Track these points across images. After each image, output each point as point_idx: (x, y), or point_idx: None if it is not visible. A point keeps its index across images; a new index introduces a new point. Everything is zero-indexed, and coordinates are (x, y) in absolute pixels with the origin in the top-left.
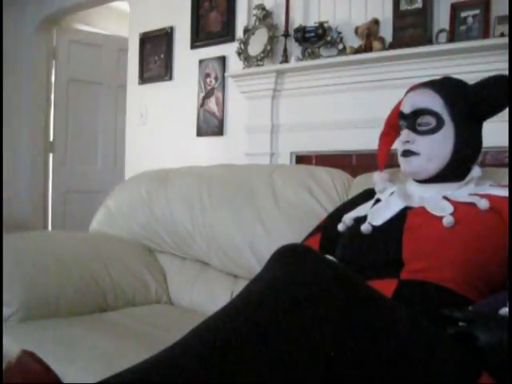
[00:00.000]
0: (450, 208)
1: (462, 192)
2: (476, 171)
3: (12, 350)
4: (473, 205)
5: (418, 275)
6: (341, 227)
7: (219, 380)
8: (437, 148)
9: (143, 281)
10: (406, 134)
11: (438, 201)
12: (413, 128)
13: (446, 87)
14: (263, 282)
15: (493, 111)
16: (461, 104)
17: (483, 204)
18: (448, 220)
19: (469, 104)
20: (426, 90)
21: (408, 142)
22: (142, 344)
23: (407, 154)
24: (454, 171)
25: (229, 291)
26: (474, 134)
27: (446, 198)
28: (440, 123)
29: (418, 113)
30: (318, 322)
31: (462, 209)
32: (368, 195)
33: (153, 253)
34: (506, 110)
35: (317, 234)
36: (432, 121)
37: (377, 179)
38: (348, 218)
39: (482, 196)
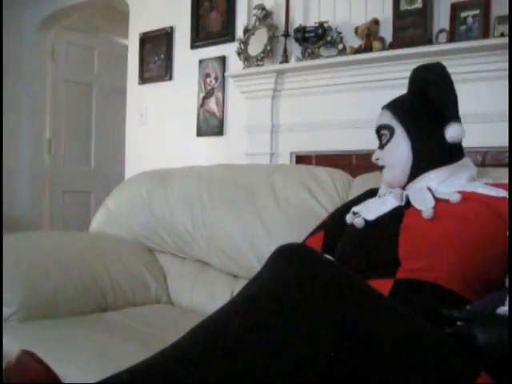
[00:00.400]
0: (431, 202)
1: (447, 185)
2: (464, 161)
3: (12, 349)
4: (469, 204)
5: (414, 275)
6: (349, 218)
7: (218, 380)
8: (394, 155)
9: (143, 281)
10: (375, 153)
11: (421, 192)
12: (380, 145)
13: (393, 101)
14: (262, 282)
15: (438, 95)
16: (405, 106)
17: (454, 198)
18: (427, 213)
19: (414, 100)
20: (382, 111)
21: (378, 159)
22: (142, 344)
23: (381, 169)
24: (428, 161)
25: (229, 291)
26: (429, 124)
27: (430, 190)
28: (391, 132)
29: (378, 131)
30: (317, 322)
31: (458, 208)
32: (371, 195)
33: (153, 253)
34: (506, 111)
35: (320, 232)
36: (387, 133)
37: (383, 185)
38: (355, 210)
39: (467, 194)
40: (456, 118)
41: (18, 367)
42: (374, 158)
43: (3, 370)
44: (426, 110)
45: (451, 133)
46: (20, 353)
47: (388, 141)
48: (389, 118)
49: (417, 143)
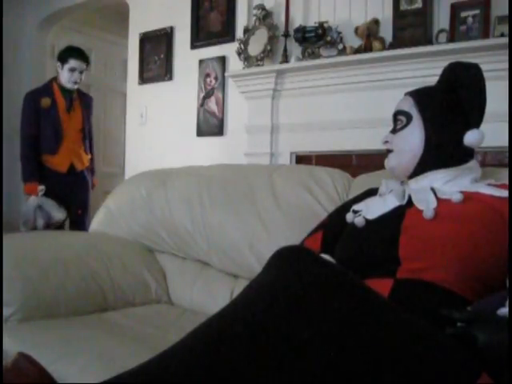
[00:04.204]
0: (433, 203)
1: (451, 186)
2: (471, 164)
3: (12, 350)
4: (471, 204)
5: (415, 274)
6: (349, 217)
7: (219, 382)
8: (405, 141)
9: (143, 281)
10: (386, 136)
11: (424, 192)
12: (392, 130)
13: (418, 90)
14: (261, 285)
15: (469, 97)
16: (430, 99)
17: (456, 198)
18: (428, 214)
19: (441, 95)
20: (404, 97)
21: (387, 142)
22: (142, 344)
23: (387, 153)
24: (437, 158)
25: (229, 291)
26: (449, 123)
27: (433, 190)
28: (409, 119)
29: (396, 115)
30: (316, 324)
31: (460, 208)
32: (370, 195)
33: (153, 253)
34: (506, 111)
35: (318, 232)
36: (403, 119)
37: (384, 181)
38: (356, 209)
39: (469, 194)
40: (479, 124)
41: (14, 370)
42: (383, 139)
43: None
44: (452, 109)
45: (471, 138)
46: (16, 355)
47: (403, 127)
48: (409, 106)
49: (432, 137)
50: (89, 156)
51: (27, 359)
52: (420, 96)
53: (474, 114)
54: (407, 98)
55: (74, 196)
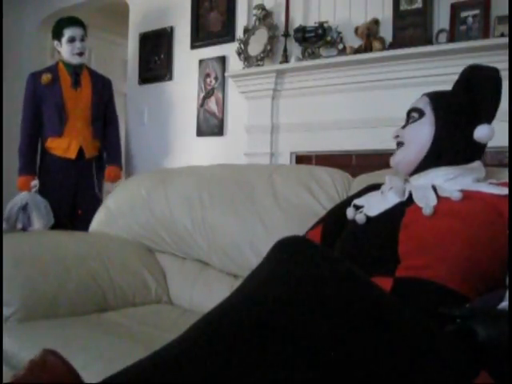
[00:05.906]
0: (433, 200)
1: (452, 184)
2: (475, 164)
3: (12, 349)
4: (472, 202)
5: (414, 272)
6: (349, 213)
7: (216, 378)
8: (415, 133)
9: (143, 281)
10: (396, 130)
11: (424, 190)
12: (404, 126)
13: (436, 92)
14: (260, 278)
15: (484, 96)
16: (444, 99)
17: (455, 196)
18: (427, 211)
19: (457, 94)
20: (421, 96)
21: (397, 136)
22: (142, 344)
23: (397, 146)
24: (442, 155)
25: (229, 291)
26: (461, 124)
27: (434, 188)
28: (421, 115)
29: (409, 113)
30: (317, 319)
31: (460, 206)
32: (371, 190)
33: (153, 253)
34: (506, 110)
35: (318, 226)
36: (416, 115)
37: (387, 177)
38: (357, 203)
39: (470, 192)
40: (490, 121)
41: (44, 367)
42: (394, 134)
43: (25, 367)
44: (465, 111)
45: (480, 132)
46: (44, 352)
47: (414, 121)
48: (424, 104)
49: (441, 135)
50: (98, 143)
51: (57, 356)
52: (436, 96)
53: (487, 111)
54: (423, 98)
55: (78, 190)
